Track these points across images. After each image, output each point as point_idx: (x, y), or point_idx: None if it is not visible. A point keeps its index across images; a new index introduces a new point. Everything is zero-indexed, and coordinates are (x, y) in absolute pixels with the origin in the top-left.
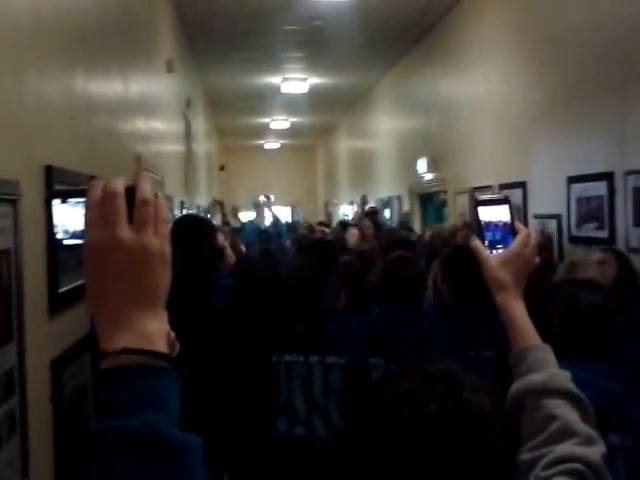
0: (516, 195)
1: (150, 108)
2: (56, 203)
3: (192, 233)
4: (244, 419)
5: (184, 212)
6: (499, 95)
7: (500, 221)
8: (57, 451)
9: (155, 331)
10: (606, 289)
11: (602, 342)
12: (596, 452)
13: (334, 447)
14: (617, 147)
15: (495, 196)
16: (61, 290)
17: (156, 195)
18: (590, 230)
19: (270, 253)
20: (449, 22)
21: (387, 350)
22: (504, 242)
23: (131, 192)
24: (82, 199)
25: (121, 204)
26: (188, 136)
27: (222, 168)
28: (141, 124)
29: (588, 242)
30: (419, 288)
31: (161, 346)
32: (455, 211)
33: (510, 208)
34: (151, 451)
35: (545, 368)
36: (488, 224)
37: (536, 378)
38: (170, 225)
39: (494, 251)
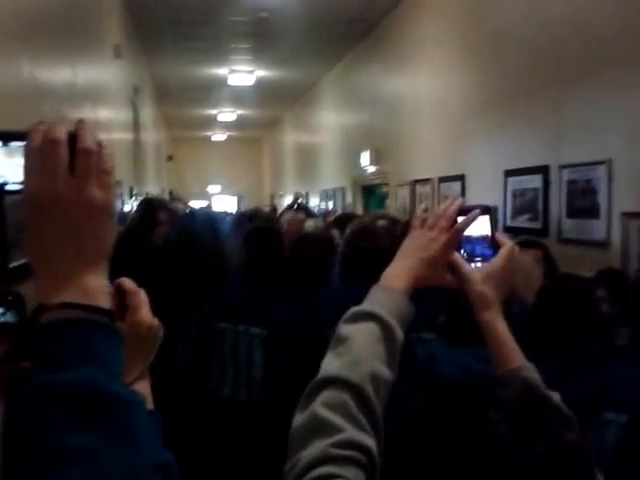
0: (455, 188)
1: (98, 94)
2: None
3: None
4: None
5: (134, 198)
6: (440, 91)
7: (480, 233)
8: None
9: (97, 287)
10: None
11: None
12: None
13: (254, 410)
14: (552, 142)
15: (475, 206)
16: (11, 266)
17: (100, 144)
18: (524, 221)
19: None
20: (393, 18)
21: None
22: (483, 255)
23: (75, 140)
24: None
25: (62, 152)
26: (136, 124)
27: (170, 158)
28: (89, 110)
29: (522, 232)
30: (381, 262)
31: (102, 302)
32: (396, 203)
33: (491, 219)
34: (90, 407)
35: None
36: (467, 236)
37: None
38: (114, 177)
39: (472, 264)
